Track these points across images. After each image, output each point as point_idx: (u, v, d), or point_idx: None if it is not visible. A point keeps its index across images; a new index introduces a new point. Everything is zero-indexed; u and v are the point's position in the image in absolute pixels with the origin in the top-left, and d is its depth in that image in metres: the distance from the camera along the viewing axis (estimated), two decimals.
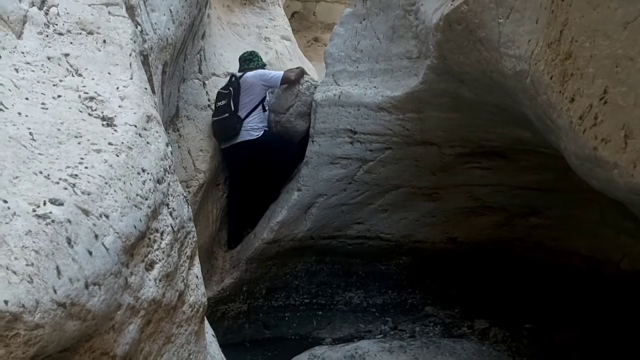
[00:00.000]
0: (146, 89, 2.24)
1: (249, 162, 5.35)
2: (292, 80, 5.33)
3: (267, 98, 5.52)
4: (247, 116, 5.27)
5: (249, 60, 5.64)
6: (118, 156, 1.74)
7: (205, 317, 2.33)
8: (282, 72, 5.40)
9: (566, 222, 4.87)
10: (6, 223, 1.25)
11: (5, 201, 1.30)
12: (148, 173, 1.85)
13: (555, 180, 4.37)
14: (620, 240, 4.45)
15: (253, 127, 5.29)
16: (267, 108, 5.48)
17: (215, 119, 5.30)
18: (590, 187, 2.31)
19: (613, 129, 1.94)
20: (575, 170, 2.36)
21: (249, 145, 5.25)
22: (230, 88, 5.32)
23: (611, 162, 1.95)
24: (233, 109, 5.20)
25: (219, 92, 5.43)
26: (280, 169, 5.47)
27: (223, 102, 5.29)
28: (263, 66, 5.67)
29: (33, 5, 2.11)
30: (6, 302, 1.14)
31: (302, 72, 5.49)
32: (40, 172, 1.49)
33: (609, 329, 4.45)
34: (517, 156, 4.39)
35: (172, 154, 2.17)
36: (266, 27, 7.18)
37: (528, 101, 2.74)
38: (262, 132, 5.33)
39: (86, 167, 1.61)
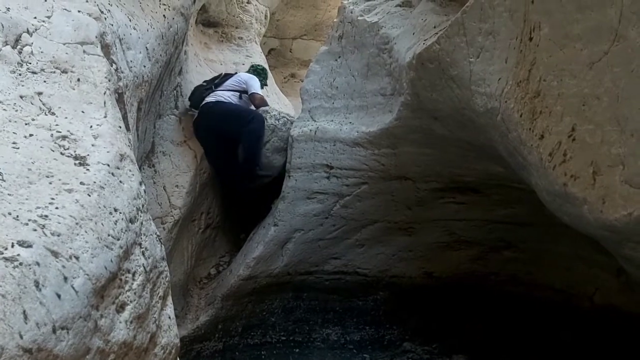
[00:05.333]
0: (120, 127, 2.23)
1: (214, 129, 5.34)
2: (257, 104, 5.58)
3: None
4: (222, 90, 5.55)
5: (257, 73, 6.03)
6: (90, 196, 1.72)
7: (178, 359, 2.28)
8: (260, 94, 5.64)
9: (540, 256, 4.92)
10: None
11: None
12: (120, 212, 1.82)
13: (528, 214, 4.43)
14: (592, 274, 4.50)
15: (222, 97, 5.46)
16: (244, 99, 5.63)
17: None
18: (562, 221, 2.35)
19: (582, 165, 1.98)
20: (547, 205, 2.40)
21: (213, 108, 5.34)
22: (223, 73, 5.84)
23: (581, 198, 1.99)
24: (215, 83, 5.63)
25: None
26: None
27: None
28: (262, 84, 5.99)
29: (6, 44, 2.11)
30: None
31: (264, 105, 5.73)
32: (9, 213, 1.46)
33: None
34: (490, 191, 4.44)
35: (145, 192, 2.16)
36: (243, 64, 7.24)
37: (499, 138, 2.79)
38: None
39: (57, 208, 1.59)
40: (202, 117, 5.35)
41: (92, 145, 1.96)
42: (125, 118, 2.70)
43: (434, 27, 3.62)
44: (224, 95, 5.49)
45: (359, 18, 4.70)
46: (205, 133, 5.32)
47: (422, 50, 3.34)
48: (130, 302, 1.77)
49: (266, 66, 7.15)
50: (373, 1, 4.80)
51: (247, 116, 5.33)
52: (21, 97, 1.99)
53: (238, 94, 5.61)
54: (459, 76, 3.03)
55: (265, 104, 5.65)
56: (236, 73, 5.89)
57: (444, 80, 3.23)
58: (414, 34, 3.85)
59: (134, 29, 3.38)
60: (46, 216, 1.53)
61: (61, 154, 1.84)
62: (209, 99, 5.43)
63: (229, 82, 5.68)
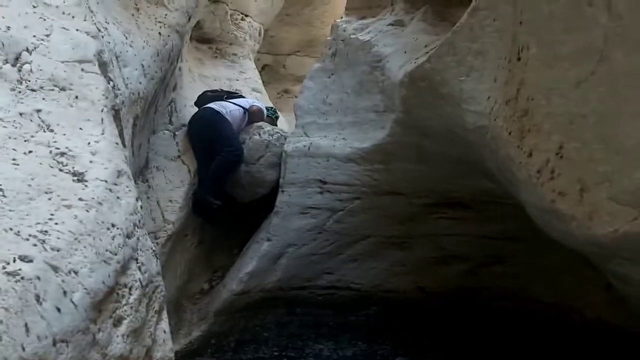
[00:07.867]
0: (117, 143, 2.27)
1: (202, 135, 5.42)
2: (254, 111, 5.76)
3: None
4: (230, 102, 5.72)
5: (268, 109, 6.13)
6: (88, 212, 1.75)
7: None
8: (258, 106, 5.86)
9: (530, 271, 4.96)
10: None
11: None
12: (118, 228, 1.86)
13: (518, 229, 4.46)
14: (582, 288, 4.54)
15: (226, 108, 5.57)
16: (245, 115, 5.74)
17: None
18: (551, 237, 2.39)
19: (569, 182, 2.02)
20: (536, 221, 2.45)
21: (209, 116, 5.44)
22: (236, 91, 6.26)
23: (568, 214, 2.03)
24: (229, 93, 5.97)
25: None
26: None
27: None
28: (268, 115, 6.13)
29: (6, 62, 2.14)
30: None
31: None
32: (10, 229, 1.49)
33: None
34: (481, 207, 4.49)
35: (141, 208, 2.19)
36: (237, 80, 7.29)
37: (489, 155, 2.84)
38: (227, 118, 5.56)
39: (56, 223, 1.62)
40: (197, 117, 5.49)
41: (90, 161, 1.99)
42: (121, 134, 2.73)
43: (425, 46, 3.69)
44: (228, 107, 5.61)
45: (351, 36, 4.77)
46: (194, 132, 5.46)
47: (414, 68, 3.40)
48: (127, 316, 1.79)
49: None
50: (365, 20, 4.89)
51: (225, 145, 5.36)
52: (21, 114, 2.02)
53: (243, 110, 5.73)
54: (449, 94, 3.08)
55: (262, 118, 5.74)
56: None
57: (434, 98, 3.28)
58: (405, 52, 3.92)
59: (130, 46, 3.43)
60: (46, 231, 1.56)
61: (60, 170, 1.87)
62: (213, 105, 5.56)
63: (239, 100, 5.86)
